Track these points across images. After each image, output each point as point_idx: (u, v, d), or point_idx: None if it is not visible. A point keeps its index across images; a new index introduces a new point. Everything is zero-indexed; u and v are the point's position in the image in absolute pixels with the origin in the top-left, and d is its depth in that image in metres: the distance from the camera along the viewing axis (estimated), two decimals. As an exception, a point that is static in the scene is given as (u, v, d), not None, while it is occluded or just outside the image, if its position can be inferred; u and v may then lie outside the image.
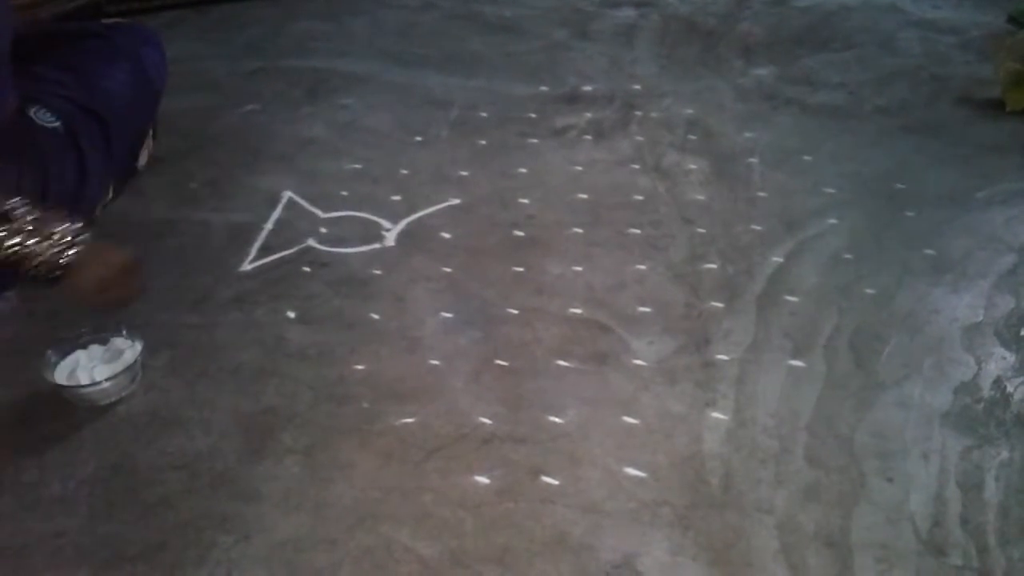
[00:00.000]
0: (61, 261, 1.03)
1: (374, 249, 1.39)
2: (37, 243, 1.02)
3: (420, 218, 1.48)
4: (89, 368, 1.09)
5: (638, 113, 1.84)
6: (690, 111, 1.84)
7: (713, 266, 1.34)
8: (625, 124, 1.79)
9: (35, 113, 1.29)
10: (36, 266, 1.03)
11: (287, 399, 1.10)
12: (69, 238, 1.04)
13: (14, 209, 1.01)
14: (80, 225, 1.06)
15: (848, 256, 1.36)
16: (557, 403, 1.09)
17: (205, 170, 1.62)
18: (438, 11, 2.44)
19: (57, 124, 1.30)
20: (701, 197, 1.53)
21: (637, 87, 1.96)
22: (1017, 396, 1.08)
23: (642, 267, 1.34)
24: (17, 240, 1.00)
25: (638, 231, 1.43)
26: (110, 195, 1.46)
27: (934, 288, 1.28)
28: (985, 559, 0.88)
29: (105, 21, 1.61)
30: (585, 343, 1.19)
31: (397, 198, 1.53)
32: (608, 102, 1.89)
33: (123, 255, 1.12)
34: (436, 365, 1.15)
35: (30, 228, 1.01)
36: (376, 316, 1.25)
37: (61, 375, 1.08)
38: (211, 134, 1.76)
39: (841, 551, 0.89)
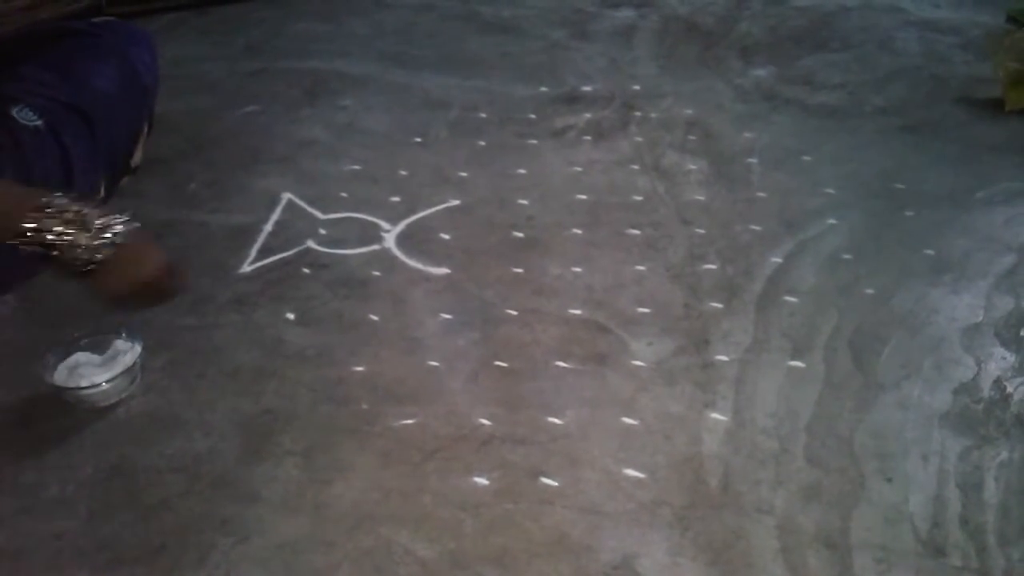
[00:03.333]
0: (98, 255, 0.99)
1: (373, 250, 1.39)
2: (76, 234, 0.98)
3: (419, 219, 1.48)
4: (88, 370, 1.09)
5: (637, 114, 1.84)
6: (689, 111, 1.84)
7: (712, 267, 1.34)
8: (624, 125, 1.79)
9: (17, 112, 1.28)
10: (72, 258, 0.98)
11: (286, 401, 1.10)
12: (110, 232, 1.00)
13: (55, 199, 0.98)
14: (123, 219, 1.02)
15: (847, 256, 1.36)
16: (556, 404, 1.09)
17: (204, 171, 1.62)
18: (437, 12, 2.44)
19: (39, 123, 1.29)
20: (700, 197, 1.53)
21: (636, 87, 1.96)
22: (1017, 397, 1.08)
23: (641, 268, 1.34)
24: (57, 230, 0.97)
25: (637, 232, 1.43)
26: (102, 193, 1.45)
27: (933, 288, 1.28)
28: (985, 559, 0.88)
29: (93, 20, 1.60)
30: (584, 344, 1.19)
31: (396, 199, 1.53)
32: (607, 103, 1.89)
33: (162, 254, 1.07)
34: (435, 366, 1.15)
35: (70, 218, 0.98)
36: (375, 317, 1.25)
37: (60, 377, 1.08)
38: (210, 135, 1.76)
39: (841, 552, 0.89)
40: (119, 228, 1.01)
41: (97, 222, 0.99)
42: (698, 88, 1.95)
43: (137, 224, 1.02)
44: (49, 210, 0.97)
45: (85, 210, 0.99)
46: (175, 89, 1.80)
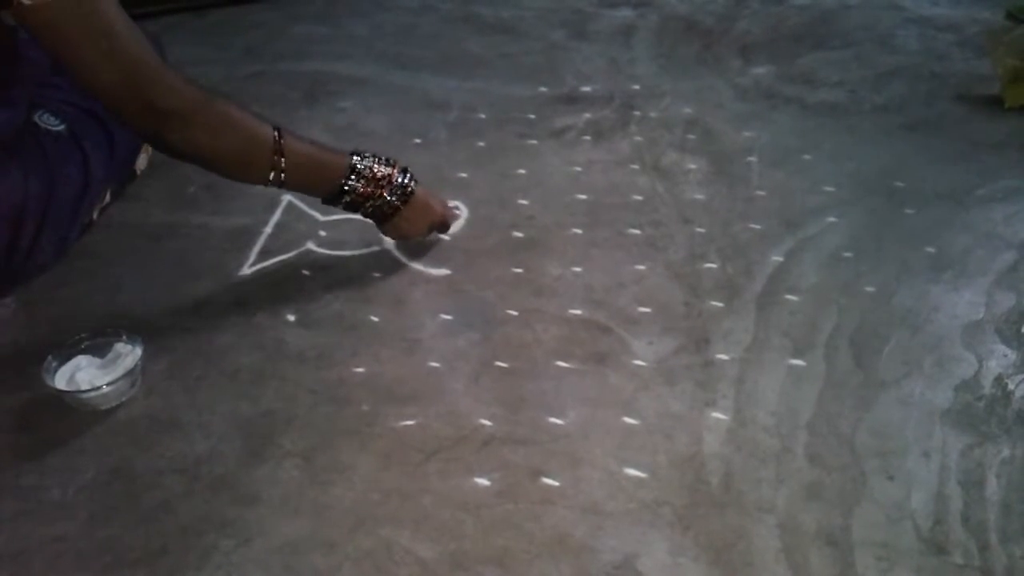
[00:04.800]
0: (394, 204, 1.26)
1: (373, 252, 1.39)
2: (381, 191, 1.24)
3: (419, 220, 1.47)
4: (89, 373, 1.09)
5: (637, 113, 1.84)
6: (689, 110, 1.84)
7: (713, 265, 1.34)
8: (624, 124, 1.79)
9: (39, 117, 1.29)
10: (376, 208, 1.26)
11: (287, 402, 1.10)
12: (401, 186, 1.26)
13: (362, 161, 1.22)
14: (410, 174, 1.28)
15: (848, 254, 1.35)
16: (557, 404, 1.09)
17: (204, 174, 1.59)
18: (436, 13, 2.45)
19: (61, 128, 1.30)
20: (700, 196, 1.53)
21: (636, 87, 1.96)
22: (1018, 393, 1.08)
23: (641, 267, 1.34)
24: (361, 185, 1.22)
25: (637, 231, 1.43)
26: (108, 199, 1.46)
27: (934, 286, 1.28)
28: (987, 557, 0.88)
29: None
30: (585, 344, 1.19)
31: (396, 200, 1.53)
32: (607, 102, 1.89)
33: (439, 203, 1.35)
34: (436, 367, 1.15)
35: (375, 177, 1.23)
36: (375, 318, 1.25)
37: (61, 380, 1.08)
38: (210, 138, 1.75)
39: (842, 550, 0.89)
40: (410, 183, 1.27)
41: (397, 179, 1.25)
42: (698, 87, 1.95)
43: (416, 184, 1.28)
44: (359, 169, 1.22)
45: (386, 169, 1.24)
46: (174, 92, 1.80)
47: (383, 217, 1.28)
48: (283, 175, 1.14)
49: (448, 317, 1.25)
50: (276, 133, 1.13)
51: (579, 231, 1.44)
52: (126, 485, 0.99)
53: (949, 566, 0.87)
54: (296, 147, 1.15)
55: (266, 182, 1.15)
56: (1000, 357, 1.14)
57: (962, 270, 1.31)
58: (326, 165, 1.20)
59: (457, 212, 1.46)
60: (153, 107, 1.02)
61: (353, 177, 1.20)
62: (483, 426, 1.05)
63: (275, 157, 1.13)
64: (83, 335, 1.13)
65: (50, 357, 1.10)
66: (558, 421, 1.06)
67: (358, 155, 1.21)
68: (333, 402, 1.10)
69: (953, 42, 2.15)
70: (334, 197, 1.22)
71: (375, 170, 1.22)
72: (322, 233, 1.44)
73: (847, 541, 0.90)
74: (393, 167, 1.25)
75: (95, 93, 1.02)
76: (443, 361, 1.16)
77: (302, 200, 1.53)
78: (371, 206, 1.25)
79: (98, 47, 0.97)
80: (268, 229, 1.46)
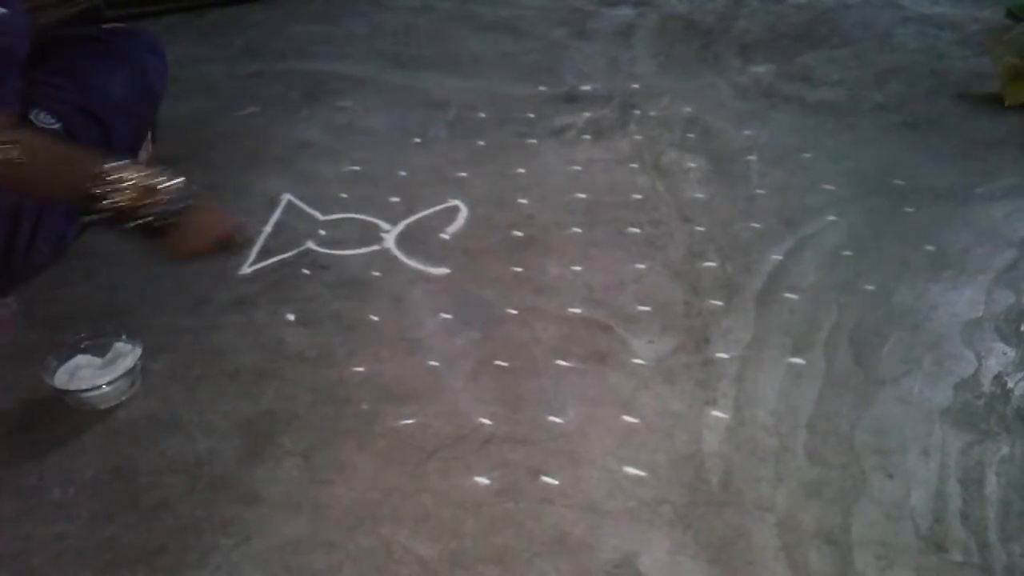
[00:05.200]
0: (163, 219, 1.05)
1: (373, 251, 1.39)
2: (140, 200, 1.03)
3: (419, 219, 1.48)
4: (89, 372, 1.09)
5: (636, 112, 1.84)
6: (688, 109, 1.84)
7: (712, 264, 1.34)
8: (624, 123, 1.79)
9: (35, 116, 1.29)
10: (137, 222, 1.04)
11: (287, 401, 1.10)
12: (172, 196, 1.06)
13: (116, 165, 1.02)
14: (183, 183, 1.08)
15: (847, 253, 1.35)
16: (556, 403, 1.09)
17: (204, 173, 1.62)
18: (436, 13, 2.44)
19: (57, 126, 1.30)
20: (700, 195, 1.53)
21: (635, 86, 1.96)
22: (1017, 392, 1.08)
23: (641, 266, 1.34)
24: (123, 196, 1.02)
25: (637, 230, 1.43)
26: None
27: (934, 284, 1.28)
28: (986, 555, 0.88)
29: (105, 26, 1.60)
30: (584, 343, 1.19)
31: (396, 200, 1.53)
32: (606, 101, 1.89)
33: (224, 217, 1.16)
34: (435, 366, 1.15)
35: (134, 184, 1.02)
36: (375, 318, 1.25)
37: (61, 380, 1.09)
38: (210, 137, 1.76)
39: (842, 548, 0.89)
40: (181, 190, 1.07)
41: (160, 188, 1.04)
42: (697, 86, 1.95)
43: (194, 187, 1.09)
44: (111, 176, 1.01)
45: (145, 175, 1.04)
46: (174, 91, 1.80)
47: (158, 230, 1.06)
48: (21, 159, 0.98)
49: (448, 316, 1.25)
50: (11, 122, 1.00)
51: (579, 230, 1.44)
52: (126, 484, 0.99)
53: (948, 564, 0.87)
54: (37, 136, 1.03)
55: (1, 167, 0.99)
56: (1000, 355, 1.14)
57: (962, 268, 1.31)
58: (76, 160, 1.04)
59: (245, 227, 1.23)
60: None
61: (111, 181, 1.01)
62: (483, 425, 1.05)
63: (4, 140, 0.97)
64: (83, 335, 1.14)
65: (50, 357, 1.10)
66: (558, 420, 1.06)
67: (120, 160, 1.04)
68: (333, 401, 1.10)
69: (953, 40, 2.15)
70: (89, 202, 1.02)
71: (141, 176, 1.03)
72: (322, 232, 1.44)
73: (846, 539, 0.90)
74: (165, 173, 1.07)
75: None
76: (443, 360, 1.16)
77: (302, 199, 1.53)
78: (139, 218, 1.04)
79: None
80: (268, 228, 1.46)
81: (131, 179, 1.03)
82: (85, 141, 1.33)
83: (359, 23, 2.37)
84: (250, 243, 1.29)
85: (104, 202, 1.02)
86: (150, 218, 1.04)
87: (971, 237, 1.38)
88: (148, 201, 1.03)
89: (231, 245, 1.16)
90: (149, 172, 1.04)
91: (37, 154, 0.99)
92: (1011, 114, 1.77)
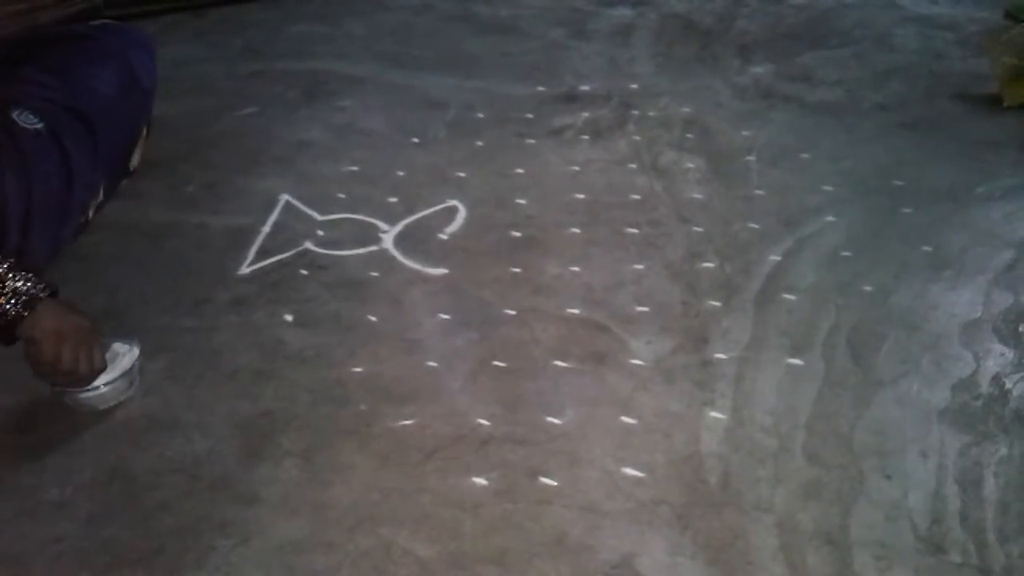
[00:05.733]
0: (8, 317, 0.96)
1: (371, 251, 1.39)
2: None
3: (417, 220, 1.48)
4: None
5: (635, 112, 1.84)
6: (687, 110, 1.84)
7: (711, 265, 1.34)
8: (622, 123, 1.79)
9: (17, 115, 1.28)
10: None
11: (285, 402, 1.10)
12: (21, 295, 0.96)
13: None
14: (36, 285, 0.98)
15: (846, 253, 1.35)
16: (555, 403, 1.09)
17: (202, 173, 1.62)
18: (435, 13, 2.44)
19: (40, 125, 1.29)
20: (699, 196, 1.53)
21: (634, 86, 1.96)
22: (1016, 393, 1.08)
23: (640, 266, 1.34)
24: None
25: (636, 230, 1.43)
26: (101, 196, 1.45)
27: (932, 285, 1.28)
28: (984, 556, 0.88)
29: (92, 23, 1.60)
30: (583, 343, 1.19)
31: (394, 200, 1.53)
32: (605, 101, 1.89)
33: (79, 320, 1.02)
34: (434, 367, 1.15)
35: None
36: (374, 318, 1.25)
37: (59, 380, 1.08)
38: (208, 137, 1.76)
39: (840, 549, 0.89)
40: (31, 293, 0.96)
41: (12, 282, 0.95)
42: (696, 86, 1.95)
43: (50, 290, 0.98)
44: None
45: None
46: (173, 91, 1.81)
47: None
48: None
49: (446, 317, 1.25)
50: None
51: (577, 230, 1.44)
52: (125, 485, 0.99)
53: (947, 565, 0.87)
54: None
55: None
56: (998, 356, 1.14)
57: (960, 269, 1.31)
58: None
59: (95, 330, 1.06)
60: None
61: None
62: (481, 426, 1.05)
63: None
64: (82, 335, 1.13)
65: (49, 357, 1.10)
66: (556, 421, 1.06)
67: None
68: (332, 402, 1.10)
69: (952, 41, 2.15)
70: None
71: None
72: (320, 233, 1.44)
73: (845, 540, 0.90)
74: (8, 266, 0.95)
75: None
76: (441, 361, 1.16)
77: (301, 199, 1.53)
78: None
79: None
80: (266, 229, 1.46)
81: None
82: (69, 140, 1.32)
83: (358, 23, 2.37)
84: (93, 376, 1.05)
85: None
86: None
87: (970, 238, 1.38)
88: None
89: (79, 364, 1.00)
90: None
91: None
92: (1010, 115, 1.77)
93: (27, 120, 1.29)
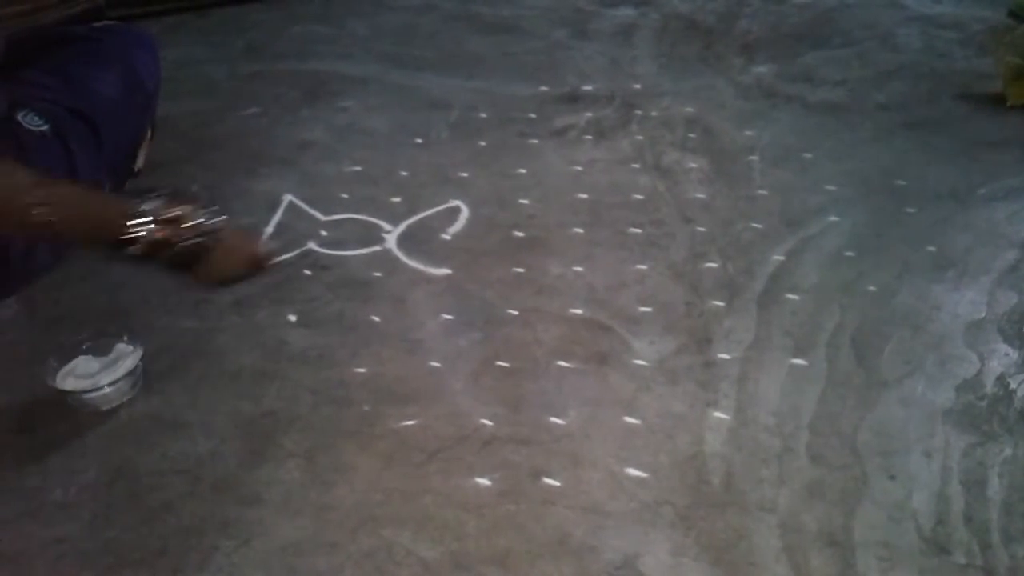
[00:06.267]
0: (192, 251, 1.07)
1: (374, 251, 1.39)
2: (168, 235, 1.05)
3: (420, 220, 1.48)
4: (91, 373, 1.09)
5: (638, 112, 1.83)
6: (690, 110, 1.84)
7: (714, 265, 1.34)
8: (625, 123, 1.79)
9: (22, 117, 1.28)
10: (171, 256, 1.06)
11: (288, 402, 1.10)
12: (199, 227, 1.07)
13: (146, 204, 1.04)
14: (212, 212, 1.09)
15: (849, 254, 1.35)
16: (558, 404, 1.08)
17: (205, 174, 1.62)
18: (437, 13, 2.44)
19: (45, 128, 1.29)
20: (701, 196, 1.53)
21: (637, 86, 1.96)
22: (1020, 393, 1.08)
23: (642, 267, 1.34)
24: (151, 235, 1.03)
25: (638, 230, 1.43)
26: None
27: (936, 285, 1.28)
28: (988, 557, 0.87)
29: (95, 24, 1.60)
30: (586, 343, 1.19)
31: (397, 200, 1.53)
32: (608, 101, 1.89)
33: (253, 240, 1.20)
34: (437, 367, 1.15)
35: (161, 221, 1.04)
36: (376, 318, 1.25)
37: (63, 381, 1.09)
38: (211, 138, 1.76)
39: (844, 550, 0.89)
40: (214, 220, 1.08)
41: (198, 218, 1.06)
42: (699, 86, 1.95)
43: (224, 216, 1.10)
44: (140, 218, 1.02)
45: (182, 209, 1.05)
46: (176, 92, 1.80)
47: (190, 261, 1.09)
48: (51, 219, 0.99)
49: (449, 317, 1.25)
50: (39, 180, 0.99)
51: (580, 230, 1.44)
52: (128, 485, 0.99)
53: (951, 566, 0.87)
54: (62, 189, 1.03)
55: (31, 228, 1.02)
56: (1002, 356, 1.14)
57: (964, 269, 1.31)
58: (104, 206, 1.06)
59: (274, 248, 1.26)
60: None
61: (141, 219, 1.03)
62: (484, 426, 1.05)
63: (32, 203, 0.97)
64: (84, 335, 1.14)
65: (51, 358, 1.10)
66: (559, 421, 1.06)
67: (148, 195, 1.06)
68: (334, 402, 1.10)
69: (955, 40, 2.14)
70: (120, 245, 1.04)
71: (169, 211, 1.05)
72: (323, 233, 1.44)
73: (848, 541, 0.90)
74: (191, 204, 1.08)
75: None
76: (444, 361, 1.16)
77: (303, 200, 1.53)
78: (172, 252, 1.06)
79: None
80: (269, 229, 1.46)
81: (159, 216, 1.04)
82: (74, 142, 1.32)
83: (360, 23, 2.37)
84: (278, 263, 1.27)
85: (134, 243, 1.03)
86: (179, 251, 1.06)
87: (973, 238, 1.38)
88: (176, 236, 1.05)
89: (261, 269, 1.18)
90: (175, 207, 1.06)
91: (66, 208, 1.01)
92: (1013, 114, 1.76)
93: (32, 122, 1.28)
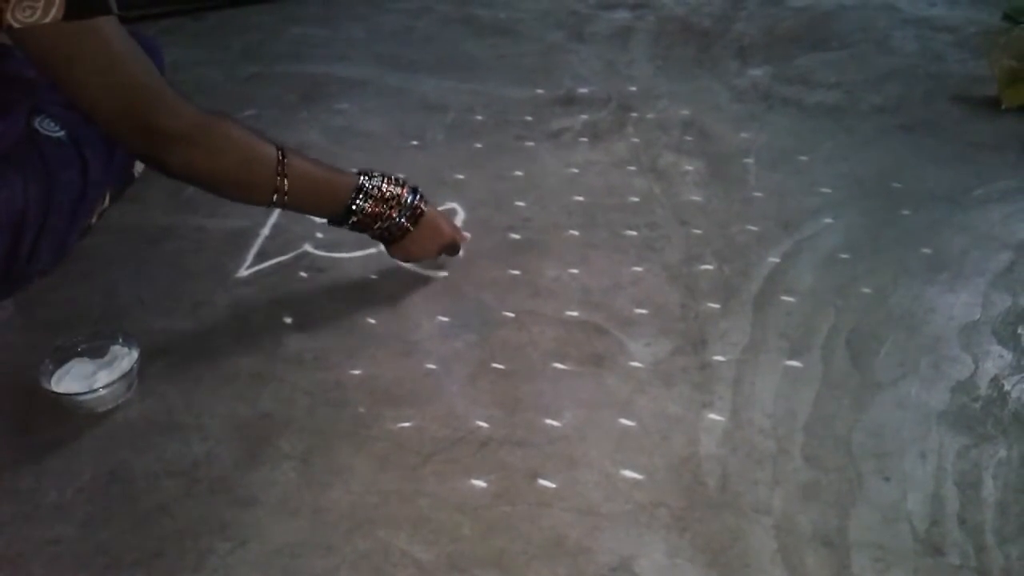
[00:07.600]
0: (403, 225, 1.22)
1: (370, 254, 1.39)
2: (385, 208, 1.20)
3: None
4: (86, 376, 1.09)
5: (634, 115, 1.84)
6: (686, 112, 1.84)
7: (709, 267, 1.34)
8: (621, 126, 1.80)
9: (39, 123, 1.28)
10: (383, 228, 1.22)
11: (284, 405, 1.10)
12: (411, 207, 1.22)
13: (371, 181, 1.18)
14: (419, 193, 1.23)
15: (845, 256, 1.36)
16: (554, 406, 1.09)
17: (201, 176, 1.62)
18: (433, 15, 2.45)
19: (61, 134, 1.29)
20: (697, 198, 1.53)
21: (633, 89, 1.96)
22: (1014, 394, 1.08)
23: (638, 269, 1.34)
24: (368, 207, 1.18)
25: (634, 233, 1.43)
26: (107, 202, 1.46)
27: (931, 287, 1.28)
28: (983, 558, 0.88)
29: None
30: (581, 345, 1.19)
31: (393, 202, 1.53)
32: (604, 104, 1.89)
33: (449, 225, 1.31)
34: (433, 369, 1.15)
35: (377, 196, 1.18)
36: (372, 321, 1.25)
37: (58, 383, 1.08)
38: (207, 140, 1.75)
39: (839, 551, 0.89)
40: (419, 202, 1.23)
41: (406, 199, 1.21)
42: (694, 89, 1.96)
43: (426, 199, 1.24)
44: (367, 189, 1.18)
45: (395, 189, 1.20)
46: (172, 94, 1.80)
47: (392, 238, 1.24)
48: (286, 196, 1.10)
49: (445, 319, 1.25)
50: (280, 153, 1.09)
51: (576, 233, 1.44)
52: (123, 487, 0.99)
53: (946, 567, 0.87)
54: (300, 167, 1.11)
55: (269, 203, 1.11)
56: (996, 358, 1.14)
57: (959, 271, 1.31)
58: (331, 185, 1.16)
59: (466, 234, 1.39)
60: (153, 130, 0.99)
61: (360, 197, 1.16)
62: (480, 428, 1.05)
63: (277, 178, 1.08)
64: (80, 337, 1.13)
65: (47, 360, 1.10)
66: (555, 423, 1.06)
67: (366, 174, 1.18)
68: (330, 404, 1.10)
69: (950, 43, 2.15)
70: (340, 218, 1.18)
71: (384, 190, 1.18)
72: (319, 235, 1.44)
73: (843, 542, 0.90)
74: (403, 187, 1.21)
75: (93, 117, 0.99)
76: (440, 363, 1.16)
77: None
78: (380, 227, 1.21)
79: (97, 71, 0.94)
80: (265, 231, 1.46)
81: (377, 192, 1.18)
82: (90, 148, 1.32)
83: (357, 26, 2.37)
84: (464, 241, 1.36)
85: (354, 211, 1.18)
86: (389, 224, 1.21)
87: (968, 240, 1.38)
88: (386, 213, 1.20)
89: (454, 249, 1.32)
90: (389, 184, 1.20)
91: (302, 180, 1.12)
92: (1008, 117, 1.77)
93: (49, 128, 1.28)
